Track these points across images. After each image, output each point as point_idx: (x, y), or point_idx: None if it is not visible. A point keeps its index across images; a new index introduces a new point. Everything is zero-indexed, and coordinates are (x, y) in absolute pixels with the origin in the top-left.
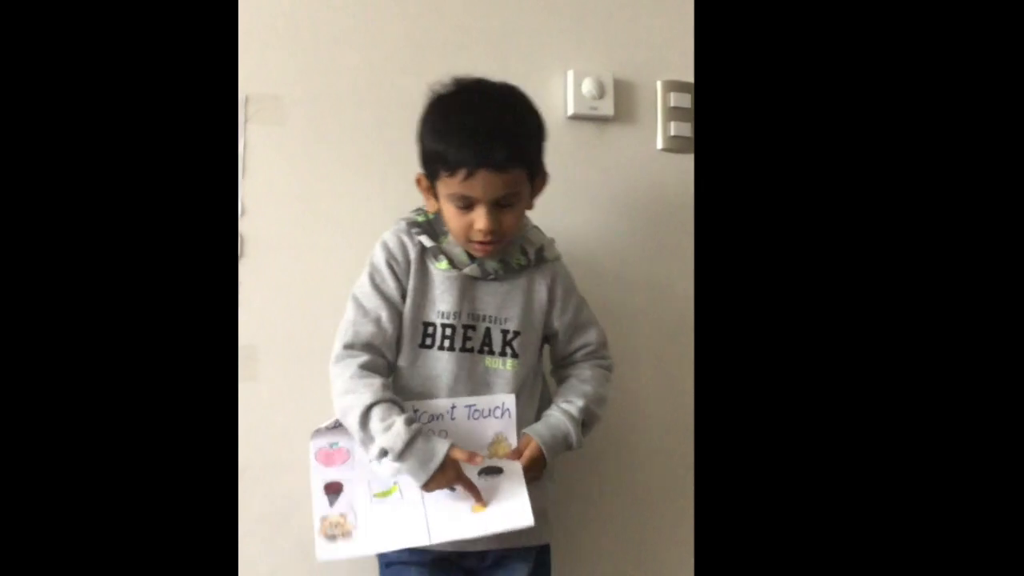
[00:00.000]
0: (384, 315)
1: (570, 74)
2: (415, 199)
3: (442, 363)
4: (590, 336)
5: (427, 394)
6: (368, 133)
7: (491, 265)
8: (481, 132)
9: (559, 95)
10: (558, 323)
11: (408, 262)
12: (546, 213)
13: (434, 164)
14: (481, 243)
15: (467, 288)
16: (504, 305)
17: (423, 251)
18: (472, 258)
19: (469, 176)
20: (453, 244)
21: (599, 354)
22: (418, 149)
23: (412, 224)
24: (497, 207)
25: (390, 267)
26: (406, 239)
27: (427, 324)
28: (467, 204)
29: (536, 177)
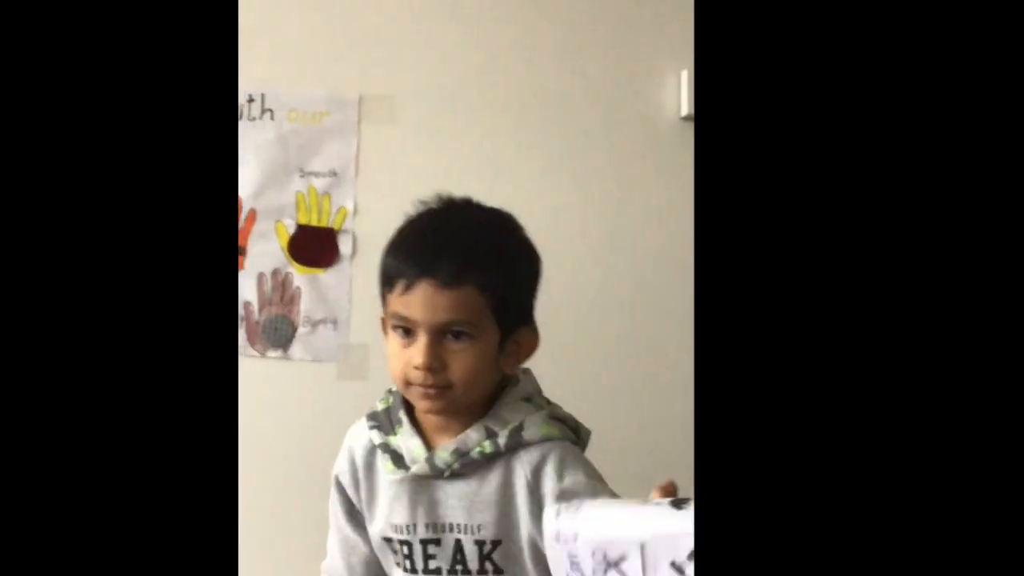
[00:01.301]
0: (340, 555)
1: (684, 74)
2: (526, 198)
3: None
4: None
5: None
6: (479, 132)
7: (442, 458)
8: (431, 241)
9: (673, 96)
10: None
11: (355, 471)
12: (661, 221)
13: (381, 287)
14: (421, 388)
15: (421, 491)
16: (474, 508)
17: (372, 453)
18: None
19: (407, 289)
20: (410, 434)
21: None
22: None
23: (371, 416)
24: (441, 338)
25: (338, 484)
26: (356, 440)
27: (387, 540)
28: (407, 331)
29: (515, 327)
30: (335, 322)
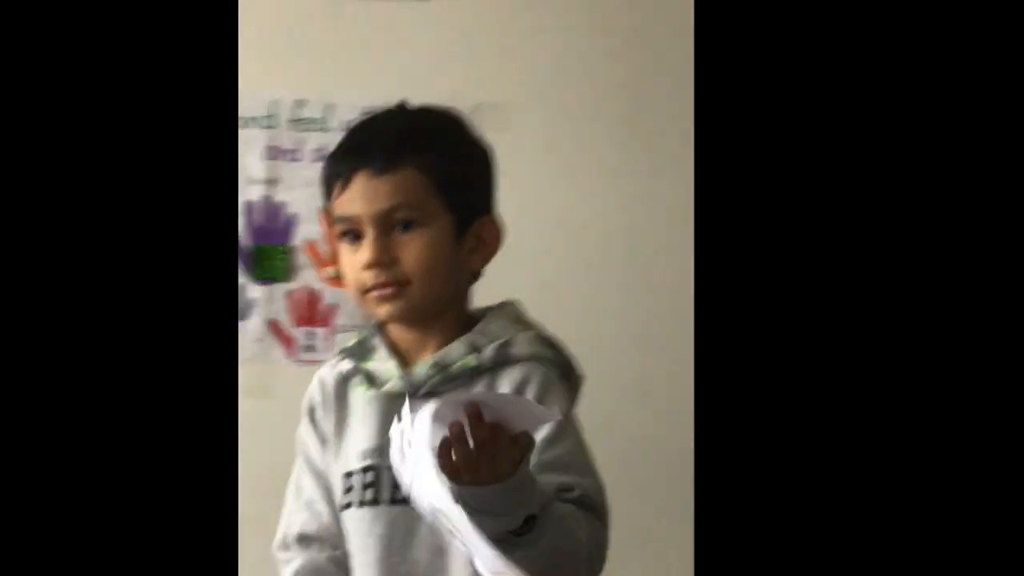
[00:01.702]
0: (317, 494)
1: None
2: (641, 204)
3: (364, 526)
4: (570, 480)
5: None
6: (595, 139)
7: (420, 374)
8: (362, 134)
9: None
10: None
11: (325, 400)
12: None
13: (323, 203)
14: (376, 291)
15: (393, 412)
16: None
17: (343, 382)
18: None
19: (344, 187)
20: (384, 357)
21: (584, 501)
22: None
23: (342, 350)
24: (389, 231)
25: (311, 424)
26: (326, 374)
27: (347, 475)
28: (353, 235)
29: (472, 216)
30: None
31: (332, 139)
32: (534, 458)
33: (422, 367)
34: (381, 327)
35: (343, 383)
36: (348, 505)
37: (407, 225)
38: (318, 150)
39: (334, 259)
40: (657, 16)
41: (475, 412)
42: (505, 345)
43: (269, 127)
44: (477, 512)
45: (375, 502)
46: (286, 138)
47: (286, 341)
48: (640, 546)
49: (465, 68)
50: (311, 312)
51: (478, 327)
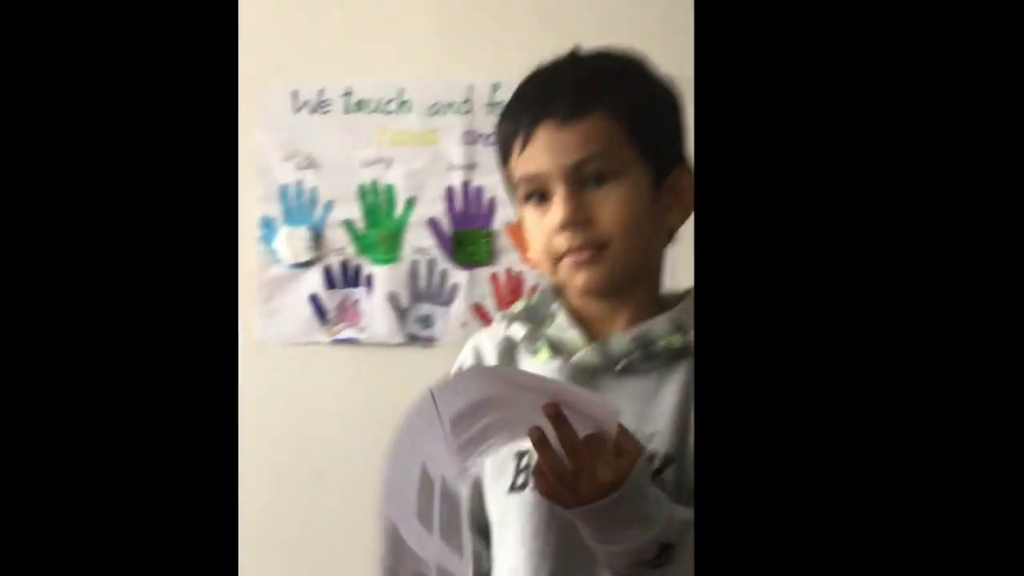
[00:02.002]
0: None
1: None
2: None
3: (540, 510)
4: None
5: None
6: None
7: (619, 346)
8: (540, 85)
9: None
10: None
11: None
12: None
13: (501, 163)
14: (571, 256)
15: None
16: (647, 413)
17: (511, 349)
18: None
19: (527, 143)
20: (566, 325)
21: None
22: None
23: (508, 315)
24: (581, 188)
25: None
26: (484, 341)
27: (520, 456)
28: (540, 196)
29: (669, 166)
30: None
31: None
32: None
33: (621, 339)
34: (559, 292)
35: (510, 350)
36: (520, 486)
37: (600, 179)
38: None
39: (520, 229)
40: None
41: (556, 413)
42: None
43: (466, 112)
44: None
45: None
46: (483, 122)
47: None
48: None
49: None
50: (515, 295)
51: (682, 305)
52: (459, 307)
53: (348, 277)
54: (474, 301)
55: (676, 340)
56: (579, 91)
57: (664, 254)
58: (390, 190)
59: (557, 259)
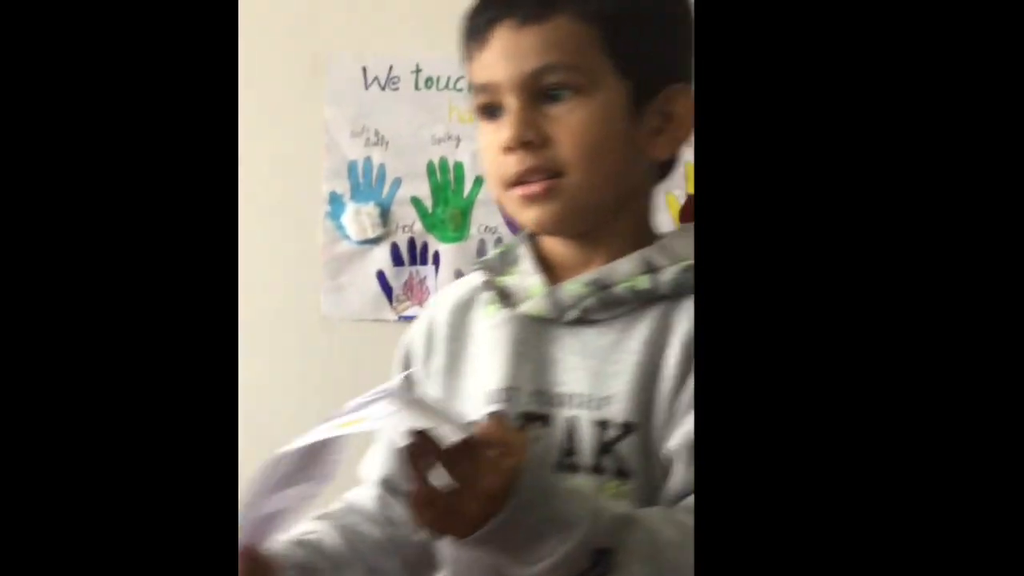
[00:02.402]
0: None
1: None
2: None
3: None
4: (684, 432)
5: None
6: None
7: (571, 291)
8: None
9: None
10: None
11: (431, 333)
12: None
13: (464, 68)
14: (521, 185)
15: (531, 343)
16: (605, 372)
17: (464, 309)
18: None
19: (482, 45)
20: (529, 271)
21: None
22: None
23: (477, 263)
24: (538, 100)
25: (404, 362)
26: (444, 295)
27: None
28: (492, 110)
29: (657, 82)
30: None
31: None
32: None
33: (575, 284)
34: (532, 236)
35: (466, 306)
36: None
37: (558, 92)
38: None
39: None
40: None
41: (417, 447)
42: (689, 269)
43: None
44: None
45: None
46: None
47: None
48: None
49: None
50: None
51: (660, 242)
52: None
53: (415, 255)
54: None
55: (642, 282)
56: None
57: (651, 189)
58: (459, 168)
59: (507, 187)
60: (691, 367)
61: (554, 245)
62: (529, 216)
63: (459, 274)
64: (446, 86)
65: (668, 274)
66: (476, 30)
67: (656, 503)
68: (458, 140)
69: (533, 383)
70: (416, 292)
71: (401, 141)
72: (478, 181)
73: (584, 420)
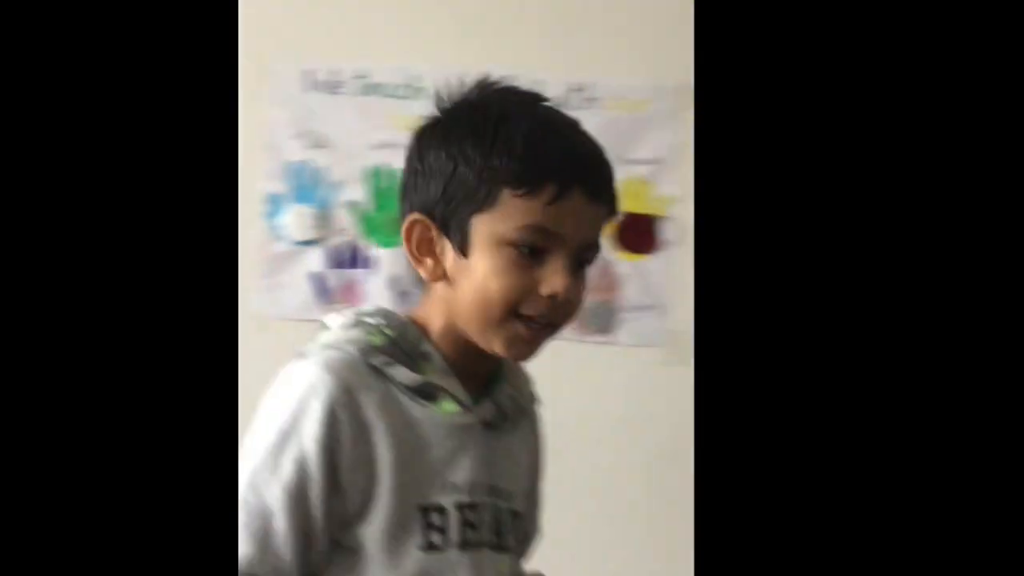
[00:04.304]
0: (292, 540)
1: None
2: None
3: (460, 571)
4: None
5: None
6: None
7: (505, 404)
8: (573, 143)
9: None
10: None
11: (361, 424)
12: None
13: (483, 186)
14: (539, 324)
15: (475, 444)
16: (515, 471)
17: (390, 396)
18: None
19: (559, 197)
20: (442, 373)
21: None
22: (413, 176)
23: (369, 350)
24: (579, 264)
25: (326, 451)
26: (353, 383)
27: (428, 509)
28: (538, 250)
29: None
30: (659, 308)
31: None
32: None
33: (504, 399)
34: (422, 329)
35: (391, 400)
36: (431, 546)
37: (583, 263)
38: None
39: (425, 252)
40: None
41: None
42: (529, 385)
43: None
44: None
45: (477, 545)
46: None
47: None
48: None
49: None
50: None
51: (510, 365)
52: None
53: (351, 258)
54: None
55: (532, 397)
56: (609, 175)
57: None
58: (399, 175)
59: (513, 317)
60: (538, 468)
61: (456, 347)
62: (521, 350)
63: (395, 280)
64: (389, 94)
65: (525, 392)
66: (556, 178)
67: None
68: (399, 147)
69: (487, 479)
70: (351, 295)
71: (343, 145)
72: None
73: (503, 510)
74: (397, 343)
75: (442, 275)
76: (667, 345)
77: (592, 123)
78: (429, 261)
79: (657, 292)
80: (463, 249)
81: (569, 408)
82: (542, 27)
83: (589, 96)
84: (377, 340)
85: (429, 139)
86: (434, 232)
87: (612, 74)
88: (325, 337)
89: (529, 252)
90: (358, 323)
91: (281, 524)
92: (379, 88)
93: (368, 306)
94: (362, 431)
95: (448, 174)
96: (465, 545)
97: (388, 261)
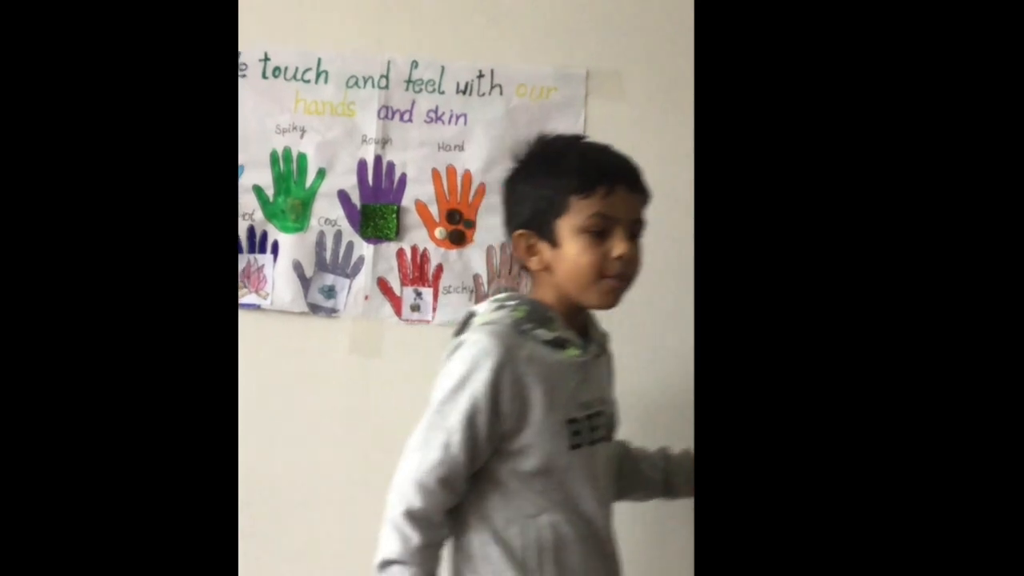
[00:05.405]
0: (465, 447)
1: None
2: None
3: (593, 460)
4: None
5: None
6: None
7: (599, 341)
8: (613, 156)
9: None
10: None
11: (518, 375)
12: None
13: (558, 198)
14: (617, 278)
15: (592, 373)
16: (607, 387)
17: (535, 349)
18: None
19: (609, 193)
20: (564, 329)
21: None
22: (512, 206)
23: (519, 322)
24: (632, 236)
25: (492, 399)
26: (509, 346)
27: (571, 421)
28: (603, 229)
29: None
30: None
31: (442, 101)
32: None
33: (602, 339)
34: (541, 300)
35: (532, 354)
36: (575, 446)
37: (635, 235)
38: (431, 111)
39: (524, 249)
40: None
41: None
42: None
43: (384, 87)
44: None
45: (600, 440)
46: (400, 99)
47: (395, 300)
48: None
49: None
50: (419, 271)
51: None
52: (363, 280)
53: (254, 243)
54: (379, 275)
55: (604, 335)
56: (638, 174)
57: None
58: (302, 159)
59: (602, 277)
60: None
61: (562, 307)
62: (608, 300)
63: (298, 265)
64: (293, 76)
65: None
66: (606, 180)
67: None
68: (303, 131)
69: (600, 394)
70: (253, 280)
71: (246, 129)
72: (320, 173)
73: (607, 413)
74: (532, 314)
75: (545, 266)
76: None
77: (499, 110)
78: (535, 259)
79: None
80: (555, 244)
81: None
82: (447, 12)
83: (496, 82)
84: (520, 313)
85: (515, 179)
86: (534, 239)
87: (518, 60)
88: (481, 319)
89: (598, 234)
90: (502, 306)
91: (457, 437)
92: (283, 71)
93: (501, 294)
94: (517, 377)
95: (535, 198)
96: (593, 441)
97: (290, 246)
